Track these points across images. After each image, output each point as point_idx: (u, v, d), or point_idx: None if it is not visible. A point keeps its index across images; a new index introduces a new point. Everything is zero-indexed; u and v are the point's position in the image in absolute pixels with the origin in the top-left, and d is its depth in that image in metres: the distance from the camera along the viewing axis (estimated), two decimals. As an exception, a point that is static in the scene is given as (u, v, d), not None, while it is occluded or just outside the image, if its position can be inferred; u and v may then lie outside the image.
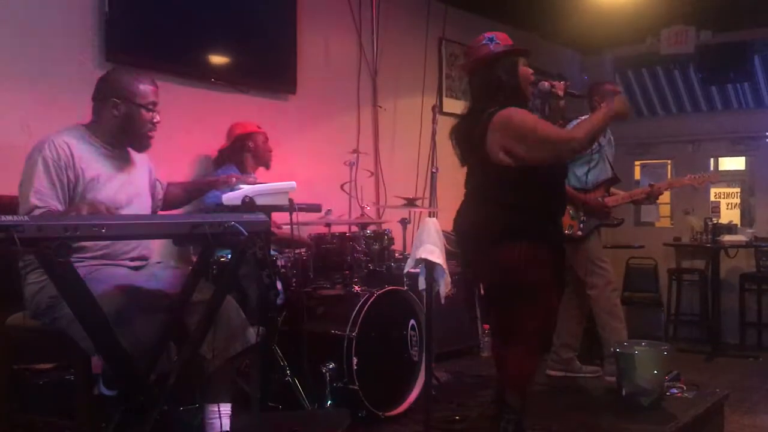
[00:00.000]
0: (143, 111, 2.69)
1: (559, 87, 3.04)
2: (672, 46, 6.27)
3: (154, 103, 2.72)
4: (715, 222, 6.41)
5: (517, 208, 2.84)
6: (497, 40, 2.96)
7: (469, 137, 2.93)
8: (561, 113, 3.12)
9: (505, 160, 2.81)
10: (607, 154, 4.35)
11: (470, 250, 3.05)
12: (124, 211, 2.65)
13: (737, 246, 6.19)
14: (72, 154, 2.58)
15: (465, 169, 3.06)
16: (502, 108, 2.83)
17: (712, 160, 6.98)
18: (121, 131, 2.71)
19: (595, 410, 3.58)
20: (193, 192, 3.14)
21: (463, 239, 3.05)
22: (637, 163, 7.46)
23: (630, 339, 4.03)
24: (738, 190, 7.11)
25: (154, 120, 2.73)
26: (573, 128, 2.95)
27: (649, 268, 7.01)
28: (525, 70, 2.96)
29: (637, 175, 7.40)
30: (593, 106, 3.12)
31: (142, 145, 2.78)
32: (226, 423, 2.53)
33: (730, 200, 7.10)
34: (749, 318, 6.38)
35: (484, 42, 2.97)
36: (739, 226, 6.60)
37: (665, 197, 7.02)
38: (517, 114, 2.82)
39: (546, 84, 3.04)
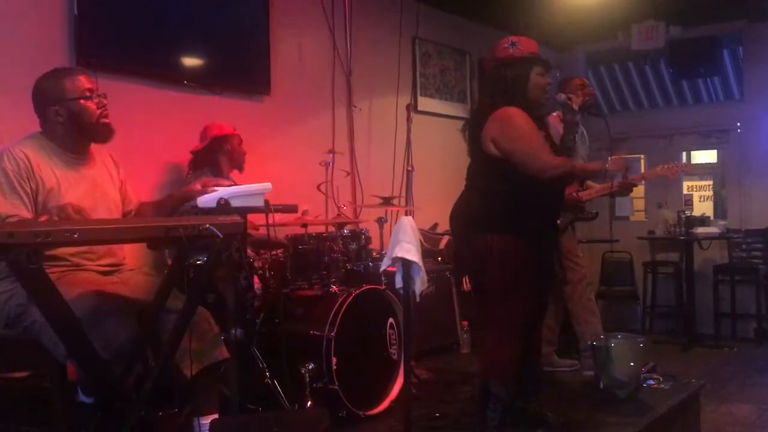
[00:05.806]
0: (82, 102, 2.64)
1: (575, 101, 3.16)
2: (643, 41, 6.34)
3: (90, 90, 2.66)
4: (688, 215, 6.47)
5: (497, 198, 2.95)
6: (519, 45, 3.06)
7: (472, 129, 3.07)
8: (575, 127, 3.23)
9: (492, 150, 2.93)
10: (580, 149, 4.38)
11: (455, 236, 3.24)
12: (91, 217, 2.61)
13: (710, 238, 6.27)
14: (30, 164, 2.56)
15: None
16: (509, 105, 2.95)
17: (684, 153, 7.04)
18: (77, 131, 2.67)
19: (572, 403, 3.60)
20: (165, 210, 2.93)
21: (451, 226, 3.22)
22: (610, 157, 7.51)
23: (606, 332, 4.07)
24: (710, 182, 7.20)
25: (100, 104, 2.66)
26: (561, 161, 2.99)
27: (624, 262, 7.07)
28: (538, 79, 3.04)
29: (612, 169, 7.46)
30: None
31: (104, 135, 2.71)
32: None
33: (702, 193, 7.18)
34: (723, 309, 6.46)
35: (506, 45, 3.08)
36: (712, 218, 6.68)
37: (639, 191, 7.10)
38: (519, 115, 2.93)
39: (562, 96, 3.15)
